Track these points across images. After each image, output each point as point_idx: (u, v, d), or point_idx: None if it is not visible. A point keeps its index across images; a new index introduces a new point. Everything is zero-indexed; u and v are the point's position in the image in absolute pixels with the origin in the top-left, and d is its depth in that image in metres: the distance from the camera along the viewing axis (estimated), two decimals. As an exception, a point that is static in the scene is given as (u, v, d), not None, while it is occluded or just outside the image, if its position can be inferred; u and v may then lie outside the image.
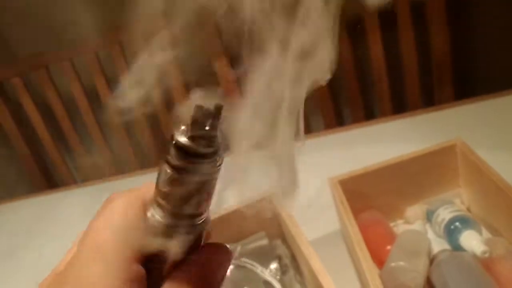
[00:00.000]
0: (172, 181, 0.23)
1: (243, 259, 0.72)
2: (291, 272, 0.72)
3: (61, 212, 1.17)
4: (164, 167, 0.23)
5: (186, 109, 0.23)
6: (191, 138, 0.23)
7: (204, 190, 0.24)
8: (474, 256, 0.60)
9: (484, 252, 0.59)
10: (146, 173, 1.23)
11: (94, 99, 1.47)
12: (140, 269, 0.23)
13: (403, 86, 1.32)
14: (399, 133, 1.01)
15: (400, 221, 0.76)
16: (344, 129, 1.11)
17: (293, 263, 0.73)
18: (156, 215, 0.24)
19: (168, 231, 0.24)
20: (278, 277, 0.70)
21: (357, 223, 0.66)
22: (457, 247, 0.64)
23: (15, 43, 1.60)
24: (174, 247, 0.24)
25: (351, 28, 1.28)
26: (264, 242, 0.74)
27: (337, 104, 1.50)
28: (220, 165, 0.24)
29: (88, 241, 0.23)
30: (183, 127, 0.23)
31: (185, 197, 0.24)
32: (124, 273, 0.22)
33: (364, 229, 0.66)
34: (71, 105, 1.48)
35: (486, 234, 0.67)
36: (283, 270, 0.72)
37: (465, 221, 0.65)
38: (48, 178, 1.60)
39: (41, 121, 1.49)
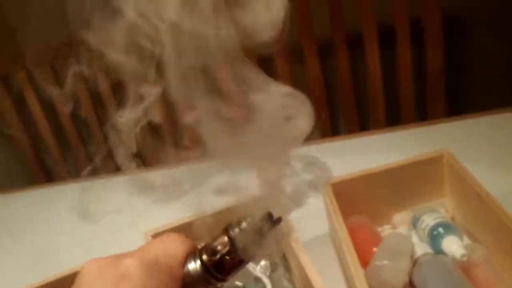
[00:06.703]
0: (223, 254, 0.31)
1: (236, 256, 0.75)
2: (281, 270, 0.75)
3: (55, 206, 1.19)
4: (225, 243, 0.31)
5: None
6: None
7: (240, 269, 0.32)
8: (454, 260, 0.64)
9: (463, 256, 0.62)
10: (141, 172, 1.26)
11: (96, 97, 1.50)
12: None
13: (398, 101, 1.36)
14: (391, 144, 1.04)
15: (387, 227, 0.79)
16: (339, 139, 1.14)
17: (283, 262, 0.76)
18: (196, 267, 0.31)
19: (197, 280, 0.31)
20: (268, 273, 0.73)
21: (346, 225, 0.69)
22: (439, 251, 0.67)
23: (21, 36, 1.63)
24: None
25: (351, 42, 1.32)
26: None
27: (332, 115, 1.53)
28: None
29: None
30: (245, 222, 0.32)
31: (226, 268, 0.31)
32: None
33: (352, 232, 0.69)
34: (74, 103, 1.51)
35: (467, 241, 0.71)
36: (273, 267, 0.75)
37: (447, 227, 0.68)
38: (46, 173, 1.62)
39: (43, 116, 1.52)
